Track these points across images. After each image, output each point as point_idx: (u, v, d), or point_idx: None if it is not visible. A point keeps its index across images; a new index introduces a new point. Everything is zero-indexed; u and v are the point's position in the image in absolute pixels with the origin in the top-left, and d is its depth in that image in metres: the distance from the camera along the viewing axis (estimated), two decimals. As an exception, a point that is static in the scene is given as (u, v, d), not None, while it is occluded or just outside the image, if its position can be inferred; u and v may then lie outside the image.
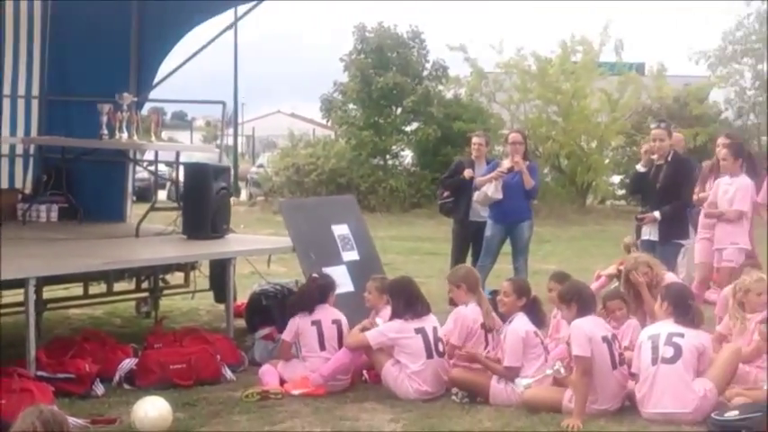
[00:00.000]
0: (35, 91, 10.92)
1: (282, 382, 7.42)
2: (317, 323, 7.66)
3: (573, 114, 26.11)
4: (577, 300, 6.89)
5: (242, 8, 10.36)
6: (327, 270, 8.63)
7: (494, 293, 8.35)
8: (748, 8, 33.43)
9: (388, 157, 27.90)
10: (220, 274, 9.01)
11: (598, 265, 13.20)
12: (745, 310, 7.51)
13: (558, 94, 26.11)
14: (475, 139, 11.15)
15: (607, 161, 27.54)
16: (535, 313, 7.42)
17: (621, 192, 27.01)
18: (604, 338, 6.77)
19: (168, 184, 16.74)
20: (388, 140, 27.16)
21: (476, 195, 10.61)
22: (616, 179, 28.00)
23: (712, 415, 6.28)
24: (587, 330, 6.70)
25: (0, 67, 10.42)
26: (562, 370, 6.86)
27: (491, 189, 10.38)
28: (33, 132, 10.90)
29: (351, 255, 9.32)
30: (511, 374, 7.10)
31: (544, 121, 26.72)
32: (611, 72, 27.52)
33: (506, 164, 10.52)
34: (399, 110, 27.48)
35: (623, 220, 19.38)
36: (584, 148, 26.77)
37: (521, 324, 7.23)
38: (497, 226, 10.53)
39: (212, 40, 10.31)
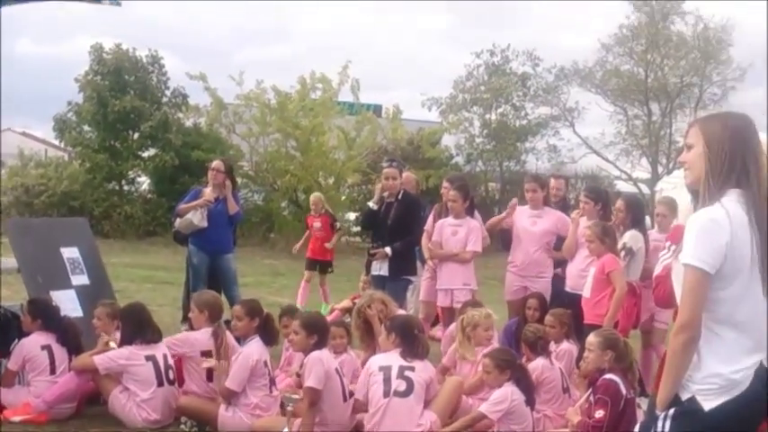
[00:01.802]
0: None
1: (2, 408, 7.13)
2: (47, 347, 7.43)
3: (311, 150, 26.58)
4: (317, 331, 6.96)
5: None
6: (55, 294, 8.41)
7: (227, 323, 8.32)
8: (478, 59, 35.46)
9: (123, 182, 27.33)
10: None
11: (332, 299, 13.53)
12: (472, 344, 7.91)
13: (296, 129, 26.50)
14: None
15: (344, 198, 28.21)
16: (268, 331, 7.46)
17: (357, 228, 27.72)
18: (336, 370, 6.94)
19: None
20: (125, 165, 26.58)
21: (178, 222, 10.53)
22: (352, 216, 28.69)
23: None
24: (325, 363, 6.83)
25: None
26: (294, 396, 6.92)
27: (197, 217, 10.34)
28: None
29: (80, 279, 9.10)
30: (229, 396, 7.13)
31: (283, 155, 27.03)
32: (350, 112, 28.27)
33: (209, 191, 10.50)
34: (137, 134, 26.99)
35: (358, 256, 19.91)
36: (321, 183, 27.29)
37: (254, 350, 7.25)
38: (201, 254, 10.46)
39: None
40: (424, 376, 6.95)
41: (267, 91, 27.06)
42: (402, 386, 6.83)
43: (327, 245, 13.85)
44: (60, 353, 7.48)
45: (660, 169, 37.68)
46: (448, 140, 33.26)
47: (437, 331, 10.38)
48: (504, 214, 10.05)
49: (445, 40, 78.10)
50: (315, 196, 14.34)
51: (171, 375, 7.37)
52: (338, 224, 14.41)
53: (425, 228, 9.97)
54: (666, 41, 36.66)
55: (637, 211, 8.97)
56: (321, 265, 13.78)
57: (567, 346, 8.22)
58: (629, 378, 6.68)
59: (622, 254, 8.33)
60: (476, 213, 9.95)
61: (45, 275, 8.74)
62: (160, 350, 7.39)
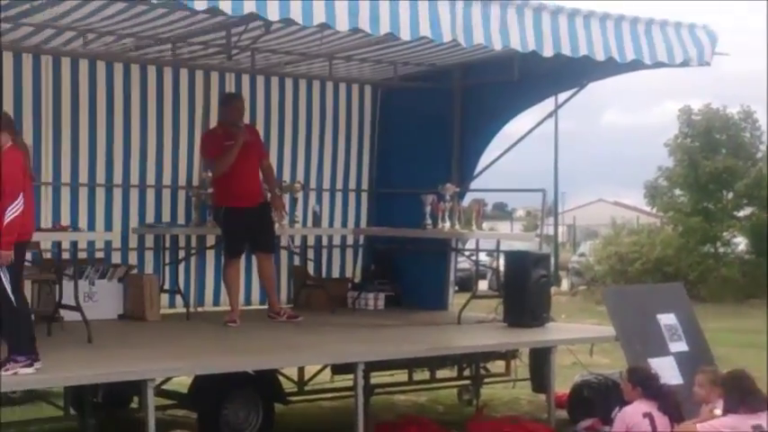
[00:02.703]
0: (365, 184, 11.49)
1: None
2: (648, 415, 7.36)
3: None
4: None
5: (562, 95, 10.37)
6: (653, 361, 8.32)
7: None
8: None
9: (718, 244, 26.76)
10: (540, 362, 8.92)
11: None
12: None
13: None
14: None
15: None
16: None
17: None
18: None
19: (489, 273, 17.00)
20: (719, 227, 26.17)
21: None
22: None
23: None
24: None
25: (334, 162, 11.12)
26: None
27: None
28: (363, 224, 11.44)
29: (678, 345, 8.91)
30: None
31: None
32: None
33: None
34: (731, 194, 26.43)
35: None
36: None
37: None
38: None
39: (533, 128, 10.38)
40: None
41: None
42: None
43: None
44: (662, 421, 7.33)
45: None
46: None
47: None
48: None
49: None
50: None
51: (781, 446, 6.86)
52: None
53: None
54: None
55: None
56: None
57: None
58: None
59: None
60: None
61: (643, 343, 8.71)
62: (766, 419, 6.93)
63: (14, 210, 6.29)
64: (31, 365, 6.31)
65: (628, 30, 7.99)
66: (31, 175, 6.70)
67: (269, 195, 9.57)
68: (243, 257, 9.64)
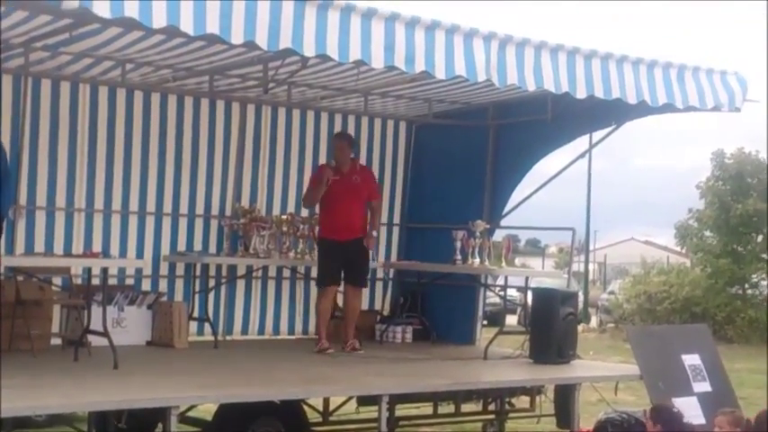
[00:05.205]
0: (396, 218, 11.59)
1: None
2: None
3: None
4: None
5: (597, 135, 10.42)
6: (677, 401, 8.34)
7: None
8: None
9: (746, 286, 26.67)
10: (565, 399, 8.94)
11: None
12: None
13: None
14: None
15: None
16: None
17: None
18: None
19: (519, 309, 17.02)
20: (747, 269, 26.08)
21: None
22: None
23: None
24: None
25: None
26: None
27: None
28: (393, 257, 11.52)
29: (702, 386, 8.95)
30: None
31: None
32: None
33: None
34: (760, 237, 26.35)
35: None
36: None
37: None
38: None
39: (566, 167, 10.41)
40: None
41: None
42: None
43: None
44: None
45: None
46: None
47: None
48: None
49: None
50: None
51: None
52: None
53: None
54: None
55: None
56: None
57: None
58: None
59: None
60: None
61: (667, 382, 8.75)
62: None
63: None
64: None
65: (660, 74, 8.04)
66: None
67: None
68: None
